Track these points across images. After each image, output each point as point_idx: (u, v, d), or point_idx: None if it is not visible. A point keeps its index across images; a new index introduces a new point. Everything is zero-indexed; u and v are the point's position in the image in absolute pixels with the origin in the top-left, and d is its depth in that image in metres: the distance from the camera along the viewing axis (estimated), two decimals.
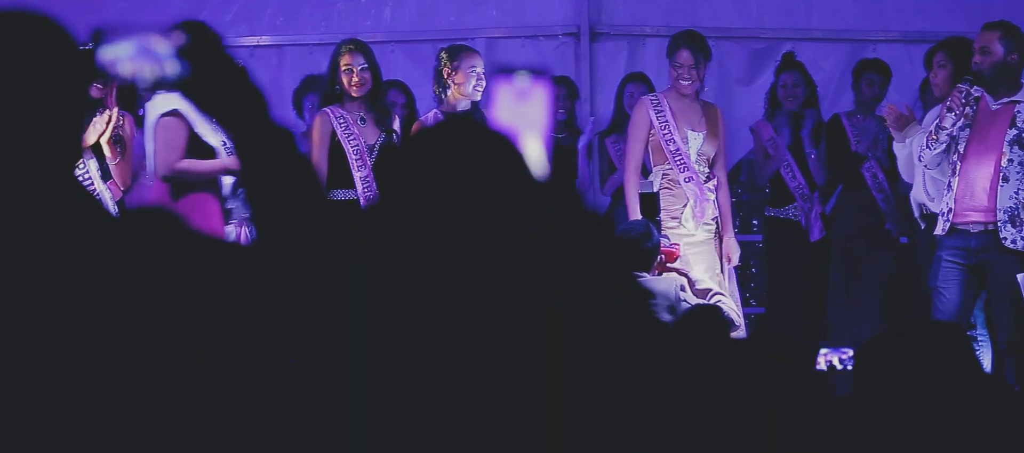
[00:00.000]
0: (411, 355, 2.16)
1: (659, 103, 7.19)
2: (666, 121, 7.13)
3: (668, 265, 6.61)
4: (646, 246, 6.26)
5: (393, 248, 2.24)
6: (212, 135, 6.14)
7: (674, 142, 7.13)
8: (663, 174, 7.14)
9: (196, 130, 6.11)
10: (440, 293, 2.19)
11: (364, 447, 2.19)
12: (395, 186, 2.25)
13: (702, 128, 7.17)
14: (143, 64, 2.11)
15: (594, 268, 2.23)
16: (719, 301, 6.48)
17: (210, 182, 6.21)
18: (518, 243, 2.20)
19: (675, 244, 6.86)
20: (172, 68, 2.11)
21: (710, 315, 5.50)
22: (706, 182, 7.13)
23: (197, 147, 6.12)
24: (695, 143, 7.15)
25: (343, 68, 6.73)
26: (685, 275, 6.66)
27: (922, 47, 7.50)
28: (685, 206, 7.06)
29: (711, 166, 7.20)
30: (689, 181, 7.07)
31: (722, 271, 7.13)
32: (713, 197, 7.13)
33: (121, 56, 2.10)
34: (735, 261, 7.22)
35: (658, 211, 6.88)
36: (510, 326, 2.18)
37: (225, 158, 6.14)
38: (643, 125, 7.20)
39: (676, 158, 7.12)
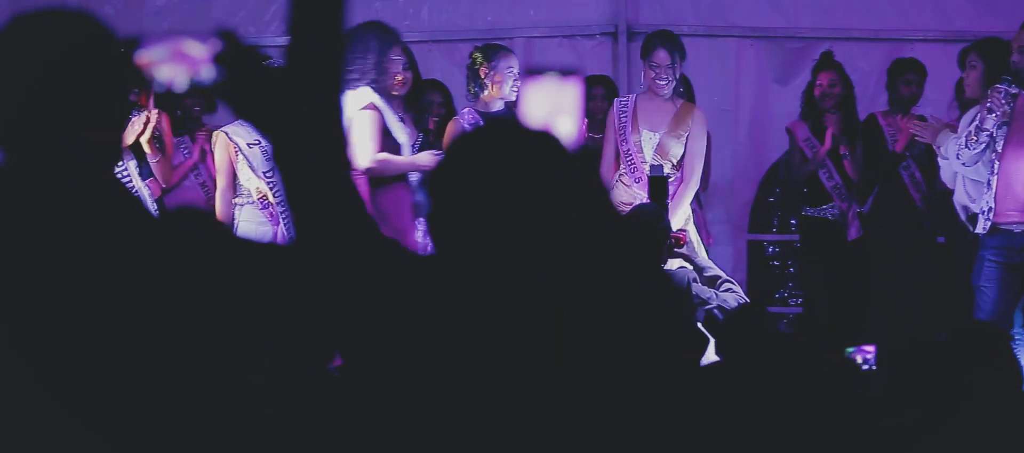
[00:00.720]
0: (462, 352, 2.17)
1: (625, 104, 7.27)
2: (624, 122, 7.18)
3: (676, 250, 6.62)
4: (660, 226, 6.29)
5: (442, 249, 2.24)
6: (400, 131, 6.27)
7: (627, 143, 7.20)
8: (619, 176, 7.21)
9: (388, 125, 6.22)
10: (491, 292, 2.19)
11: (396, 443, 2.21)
12: (445, 189, 2.26)
13: (663, 127, 7.18)
14: (179, 68, 2.14)
15: (615, 254, 2.24)
16: (730, 288, 6.47)
17: (402, 177, 6.32)
18: (558, 237, 2.21)
19: (683, 229, 6.86)
20: (207, 73, 2.14)
21: (759, 317, 5.49)
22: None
23: (389, 142, 6.23)
24: (649, 143, 7.18)
25: None
26: (693, 262, 6.67)
27: (959, 47, 7.46)
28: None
29: (679, 166, 7.19)
30: (638, 182, 7.06)
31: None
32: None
33: (158, 60, 2.14)
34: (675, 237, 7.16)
35: (668, 195, 6.86)
36: (555, 321, 2.19)
37: (416, 156, 6.27)
38: (612, 125, 7.28)
39: (627, 159, 7.20)
